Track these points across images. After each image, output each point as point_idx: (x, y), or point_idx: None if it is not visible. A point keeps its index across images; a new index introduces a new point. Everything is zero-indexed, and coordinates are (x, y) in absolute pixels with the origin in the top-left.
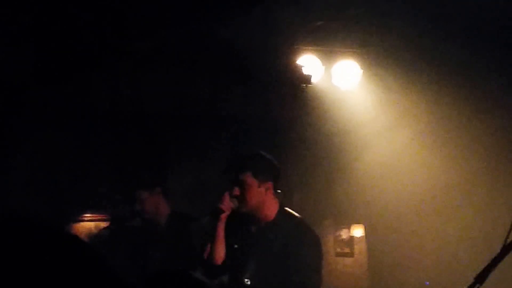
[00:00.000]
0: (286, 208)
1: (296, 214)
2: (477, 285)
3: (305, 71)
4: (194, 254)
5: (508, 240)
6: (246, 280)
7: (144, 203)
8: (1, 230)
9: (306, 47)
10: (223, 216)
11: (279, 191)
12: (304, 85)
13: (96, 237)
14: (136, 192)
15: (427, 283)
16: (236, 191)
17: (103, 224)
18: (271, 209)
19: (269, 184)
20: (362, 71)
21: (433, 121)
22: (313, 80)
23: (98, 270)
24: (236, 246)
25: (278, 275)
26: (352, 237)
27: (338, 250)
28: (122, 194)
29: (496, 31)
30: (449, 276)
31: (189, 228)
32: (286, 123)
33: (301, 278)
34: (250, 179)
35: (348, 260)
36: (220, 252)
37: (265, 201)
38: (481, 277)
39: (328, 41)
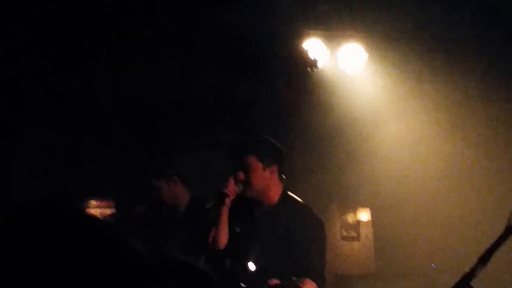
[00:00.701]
0: (289, 193)
1: (299, 198)
2: (480, 266)
3: (311, 55)
4: (199, 239)
5: (511, 223)
6: (249, 264)
7: (161, 191)
8: (30, 215)
9: (312, 31)
10: (228, 200)
11: (283, 176)
12: (310, 69)
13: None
14: (152, 181)
15: (434, 266)
16: (241, 175)
17: (108, 211)
18: (274, 193)
19: (274, 168)
20: (367, 54)
21: (439, 104)
22: (319, 64)
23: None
24: (238, 230)
25: (281, 259)
26: (358, 221)
27: (344, 234)
28: (136, 182)
29: (507, 14)
30: (455, 259)
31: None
32: (292, 108)
33: (305, 261)
34: (254, 162)
35: (354, 244)
36: (223, 237)
37: (270, 185)
38: (484, 258)
39: (333, 24)
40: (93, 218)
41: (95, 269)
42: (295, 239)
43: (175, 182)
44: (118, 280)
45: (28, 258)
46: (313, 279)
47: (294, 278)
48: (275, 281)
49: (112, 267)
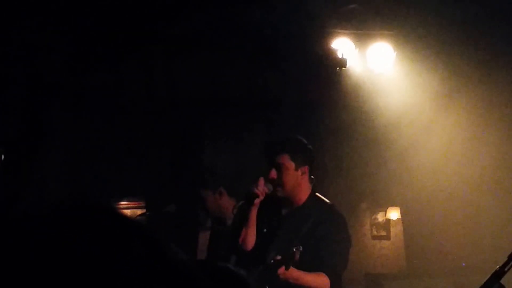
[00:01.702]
0: (317, 194)
1: (327, 200)
2: (511, 263)
3: (340, 54)
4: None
5: None
6: (271, 261)
7: (206, 201)
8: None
9: (340, 31)
10: (257, 201)
11: (312, 177)
12: (339, 68)
13: None
14: (201, 191)
15: (464, 264)
16: (273, 173)
17: (139, 211)
18: (303, 193)
19: (306, 168)
20: (396, 53)
21: (470, 103)
22: (347, 63)
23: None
24: (265, 230)
25: (303, 257)
26: (388, 220)
27: (375, 233)
28: (169, 184)
29: None
30: (486, 257)
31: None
32: (322, 107)
33: (322, 255)
34: (287, 161)
35: (384, 243)
36: (252, 238)
37: (300, 185)
38: None
39: (361, 24)
40: (131, 220)
41: (132, 273)
42: (319, 238)
43: (220, 194)
44: (155, 284)
45: (64, 260)
46: (328, 275)
47: (294, 249)
48: (277, 257)
49: (149, 270)
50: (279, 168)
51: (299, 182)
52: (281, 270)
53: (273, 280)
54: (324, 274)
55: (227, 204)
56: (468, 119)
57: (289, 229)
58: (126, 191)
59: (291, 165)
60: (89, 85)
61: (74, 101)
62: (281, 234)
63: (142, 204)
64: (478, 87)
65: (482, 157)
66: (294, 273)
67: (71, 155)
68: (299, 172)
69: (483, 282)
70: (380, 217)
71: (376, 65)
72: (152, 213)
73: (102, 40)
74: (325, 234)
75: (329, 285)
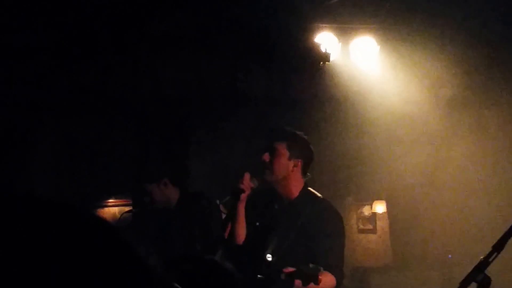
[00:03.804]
0: (310, 189)
1: (319, 194)
2: (495, 254)
3: (323, 49)
4: (215, 235)
5: None
6: (267, 256)
7: (153, 196)
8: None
9: (323, 25)
10: (243, 196)
11: (308, 174)
12: (322, 63)
13: (120, 221)
14: (144, 185)
15: (450, 256)
16: (266, 156)
17: (126, 209)
18: (295, 187)
19: (299, 162)
20: (379, 47)
21: (452, 95)
22: (331, 57)
23: (127, 255)
24: (258, 224)
25: (299, 251)
26: (374, 214)
27: (361, 227)
28: (134, 186)
29: None
30: (472, 249)
31: (200, 204)
32: (305, 101)
33: (325, 254)
34: (283, 149)
35: (371, 237)
36: (241, 232)
37: (290, 177)
38: (499, 245)
39: (344, 18)
40: (99, 219)
41: (96, 275)
42: (314, 232)
43: (165, 185)
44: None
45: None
46: (332, 273)
47: (311, 265)
48: (290, 269)
49: (114, 273)
50: (273, 152)
51: (289, 173)
52: (298, 283)
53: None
54: (329, 273)
55: (172, 192)
56: (454, 112)
57: (283, 223)
58: (114, 189)
59: (286, 153)
60: (76, 84)
61: (61, 101)
62: (275, 228)
63: (129, 201)
64: (463, 81)
65: (469, 150)
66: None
67: (59, 154)
68: (292, 163)
69: (468, 273)
70: (366, 211)
71: (360, 59)
72: (139, 210)
73: (88, 39)
74: (321, 230)
75: (335, 282)
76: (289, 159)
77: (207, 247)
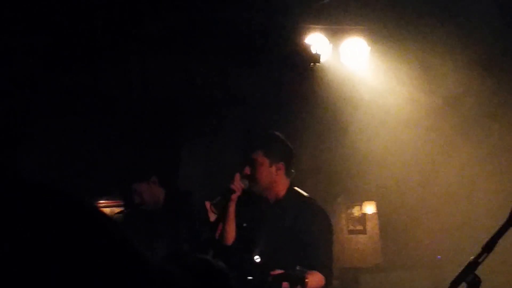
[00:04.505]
0: (295, 188)
1: (305, 193)
2: (485, 254)
3: (313, 50)
4: (203, 235)
5: None
6: (256, 257)
7: (142, 194)
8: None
9: (314, 26)
10: (234, 196)
11: (293, 171)
12: (313, 64)
13: None
14: (133, 185)
15: (439, 257)
16: (247, 170)
17: (117, 210)
18: (281, 188)
19: (281, 165)
20: (370, 48)
21: (443, 97)
22: (321, 58)
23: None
24: (245, 225)
25: (287, 251)
26: (364, 214)
27: (351, 227)
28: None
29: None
30: (461, 250)
31: (187, 204)
32: (296, 103)
33: (313, 254)
34: (261, 158)
35: (361, 237)
36: (231, 233)
37: (276, 181)
38: (489, 246)
39: (335, 19)
40: (100, 213)
41: (97, 269)
42: (302, 233)
43: (154, 183)
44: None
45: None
46: (321, 272)
47: (298, 267)
48: (278, 271)
49: (114, 267)
50: (253, 164)
51: (274, 179)
52: (285, 286)
53: None
54: (318, 273)
55: (159, 191)
56: (444, 113)
57: (271, 224)
58: (104, 190)
59: (265, 161)
60: (66, 84)
61: (51, 101)
62: (262, 228)
63: (120, 202)
64: (456, 82)
65: (458, 152)
66: None
67: (49, 155)
68: (274, 169)
69: (457, 273)
70: (356, 211)
71: (350, 60)
72: (130, 211)
73: (79, 40)
74: (308, 230)
75: (324, 282)
76: (270, 165)
77: (196, 247)
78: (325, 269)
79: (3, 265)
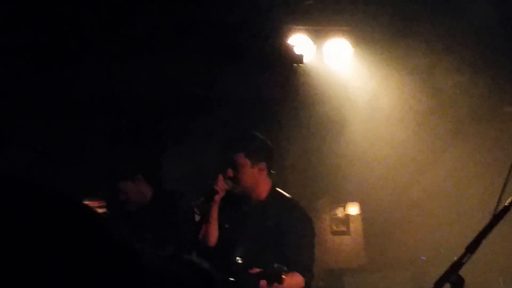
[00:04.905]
0: (278, 189)
1: (287, 194)
2: (468, 255)
3: (297, 50)
4: (189, 236)
5: (497, 211)
6: (237, 258)
7: (128, 193)
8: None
9: (297, 27)
10: (217, 197)
11: (273, 171)
12: (296, 64)
13: None
14: (118, 183)
15: (423, 258)
16: (230, 172)
17: (100, 211)
18: (263, 189)
19: (262, 165)
20: (353, 49)
21: (425, 97)
22: (304, 59)
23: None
24: (227, 226)
25: (269, 253)
26: (347, 215)
27: (334, 228)
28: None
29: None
30: (445, 250)
31: (174, 203)
32: (279, 103)
33: (294, 255)
34: (243, 159)
35: (344, 238)
36: (214, 234)
37: (258, 181)
38: (472, 247)
39: (318, 19)
40: (93, 211)
41: (90, 266)
42: (284, 234)
43: (139, 181)
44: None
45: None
46: (301, 273)
47: (276, 265)
48: (256, 270)
49: (109, 265)
50: (235, 166)
51: (256, 179)
52: (263, 284)
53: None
54: (297, 274)
55: (146, 189)
56: (426, 114)
57: (252, 224)
58: (87, 190)
59: (247, 162)
60: (49, 85)
61: (34, 101)
62: (244, 230)
63: (103, 204)
64: (435, 81)
65: (441, 151)
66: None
67: (31, 156)
68: (256, 169)
69: (441, 274)
70: (339, 212)
71: (334, 61)
72: (113, 211)
73: (61, 40)
74: (290, 231)
75: (304, 283)
76: (252, 166)
77: (180, 248)
78: (306, 271)
79: (3, 265)
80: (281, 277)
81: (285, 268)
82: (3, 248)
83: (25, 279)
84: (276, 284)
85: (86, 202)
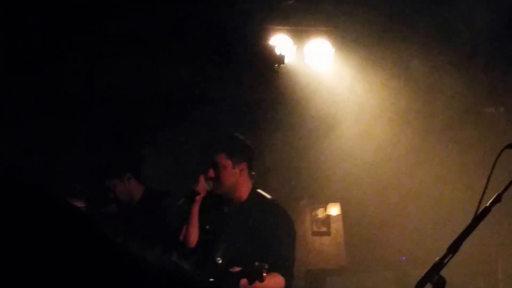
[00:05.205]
0: (258, 190)
1: (268, 195)
2: (450, 255)
3: (278, 51)
4: (170, 236)
5: (479, 211)
6: (217, 258)
7: (117, 190)
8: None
9: (278, 27)
10: (198, 198)
11: (253, 173)
12: (277, 65)
13: None
14: (107, 181)
15: (404, 258)
16: (211, 173)
17: None
18: (244, 190)
19: (244, 165)
20: (334, 49)
21: (406, 97)
22: (285, 60)
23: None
24: (207, 227)
25: (250, 253)
26: (328, 216)
27: (315, 229)
28: (96, 183)
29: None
30: (425, 251)
31: (163, 204)
32: (260, 104)
33: (274, 256)
34: (224, 160)
35: (325, 239)
36: (194, 234)
37: (239, 182)
38: (454, 247)
39: (299, 20)
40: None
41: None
42: (264, 234)
43: (128, 179)
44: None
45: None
46: (282, 274)
47: (256, 263)
48: (236, 269)
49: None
50: (217, 167)
51: (237, 180)
52: (244, 282)
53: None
54: (278, 274)
55: (135, 187)
56: (407, 114)
57: (233, 225)
58: (65, 191)
59: (228, 163)
60: (31, 84)
61: (10, 101)
62: (224, 231)
63: (82, 205)
64: (416, 82)
65: (423, 152)
66: (257, 286)
67: (8, 156)
68: (237, 170)
69: (423, 275)
70: (320, 213)
71: (315, 62)
72: (91, 213)
73: (42, 38)
74: (270, 231)
75: (284, 284)
76: (233, 167)
77: (162, 249)
78: (286, 271)
79: (4, 264)
80: (262, 275)
81: (266, 266)
82: (4, 247)
83: (25, 278)
84: (257, 282)
85: None
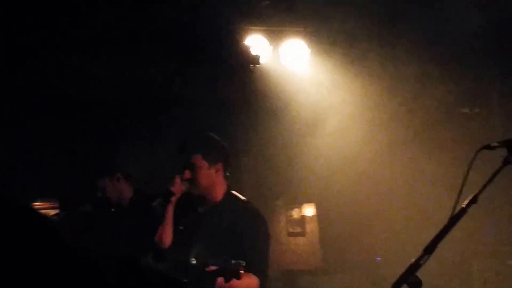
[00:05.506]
0: (233, 191)
1: (242, 196)
2: (426, 256)
3: (253, 51)
4: (145, 237)
5: (454, 212)
6: (192, 259)
7: (106, 190)
8: None
9: (253, 27)
10: (174, 199)
11: (228, 174)
12: (253, 65)
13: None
14: (96, 180)
15: (379, 259)
16: (187, 174)
17: (52, 212)
18: (219, 190)
19: (219, 166)
20: (310, 50)
21: (381, 98)
22: (261, 60)
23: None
24: (181, 228)
25: (224, 254)
26: (303, 217)
27: (290, 230)
28: (82, 182)
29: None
30: (401, 252)
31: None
32: (235, 104)
33: (248, 257)
34: (200, 161)
35: (300, 240)
36: (169, 235)
37: (215, 183)
38: (430, 248)
39: (275, 20)
40: (40, 215)
41: (37, 267)
42: (238, 235)
43: (118, 180)
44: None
45: None
46: (256, 275)
47: (233, 261)
48: (212, 267)
49: (54, 265)
50: (192, 168)
51: (213, 181)
52: (220, 281)
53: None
54: (252, 275)
55: (125, 188)
56: (382, 115)
57: (207, 226)
58: (40, 192)
59: (204, 164)
60: (12, 83)
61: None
62: (199, 232)
63: (56, 205)
64: (393, 83)
65: (398, 152)
66: (234, 284)
67: None
68: (213, 171)
69: (399, 275)
70: (295, 213)
71: (290, 62)
72: (66, 213)
73: (22, 39)
74: (245, 232)
75: (258, 284)
76: (209, 168)
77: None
78: (260, 272)
79: None
80: (239, 273)
81: (243, 263)
82: None
83: None
84: (234, 280)
85: (39, 203)
